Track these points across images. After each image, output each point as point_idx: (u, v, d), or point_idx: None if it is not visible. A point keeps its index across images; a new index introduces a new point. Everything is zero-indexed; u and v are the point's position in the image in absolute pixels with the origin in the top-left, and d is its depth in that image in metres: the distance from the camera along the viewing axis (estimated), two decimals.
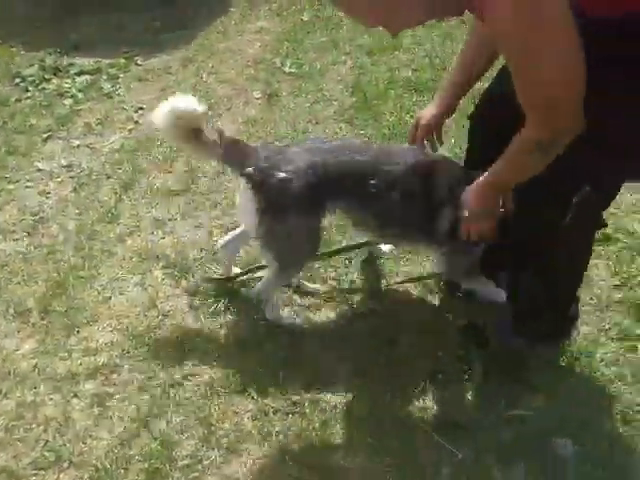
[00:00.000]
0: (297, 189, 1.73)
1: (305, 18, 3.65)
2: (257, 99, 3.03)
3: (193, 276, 2.15)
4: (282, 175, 1.73)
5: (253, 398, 1.80)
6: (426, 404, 1.80)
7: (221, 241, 2.06)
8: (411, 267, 2.18)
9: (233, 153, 1.79)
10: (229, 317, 2.02)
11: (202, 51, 3.45)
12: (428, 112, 1.90)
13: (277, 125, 2.83)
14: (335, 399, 1.79)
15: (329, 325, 2.02)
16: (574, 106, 1.32)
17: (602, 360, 1.89)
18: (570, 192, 1.57)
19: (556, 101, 1.31)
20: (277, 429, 1.73)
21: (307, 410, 1.76)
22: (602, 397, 1.82)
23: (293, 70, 3.21)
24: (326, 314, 2.04)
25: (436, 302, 2.09)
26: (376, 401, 1.80)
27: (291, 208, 1.76)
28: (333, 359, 1.91)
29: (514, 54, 1.30)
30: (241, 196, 1.84)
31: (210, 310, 2.03)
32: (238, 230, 2.03)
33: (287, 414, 1.76)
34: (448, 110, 1.90)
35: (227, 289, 2.08)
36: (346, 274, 2.15)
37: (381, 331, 1.99)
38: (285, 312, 2.03)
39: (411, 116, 2.85)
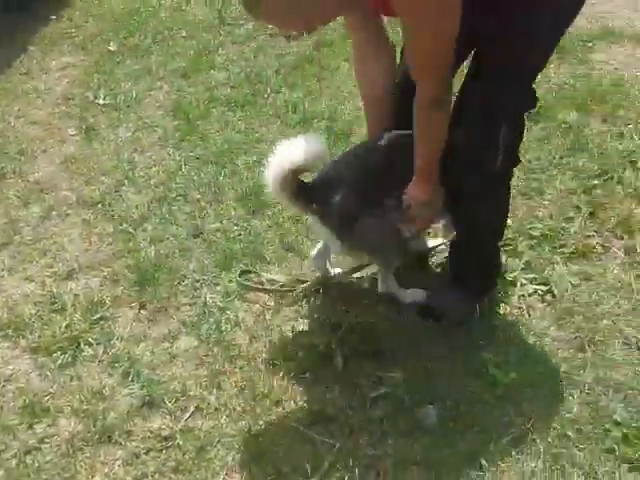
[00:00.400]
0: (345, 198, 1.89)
1: (112, 48, 3.57)
2: (73, 136, 2.91)
3: (31, 333, 2.01)
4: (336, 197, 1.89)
5: (120, 444, 1.72)
6: (297, 405, 1.84)
7: (313, 252, 2.15)
8: None
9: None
10: (79, 367, 1.92)
11: (5, 95, 3.25)
12: None
13: (99, 159, 2.74)
14: (206, 423, 1.77)
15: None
16: (448, 69, 1.63)
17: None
18: (496, 136, 1.78)
19: (443, 61, 1.59)
20: (152, 469, 1.67)
21: (180, 442, 1.72)
22: (455, 359, 1.97)
23: (108, 102, 3.12)
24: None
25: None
26: (246, 413, 1.80)
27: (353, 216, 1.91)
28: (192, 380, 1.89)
29: (418, 30, 1.54)
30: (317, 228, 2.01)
31: (57, 364, 1.92)
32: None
33: (160, 450, 1.71)
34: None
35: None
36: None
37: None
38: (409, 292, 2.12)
39: (238, 132, 2.91)
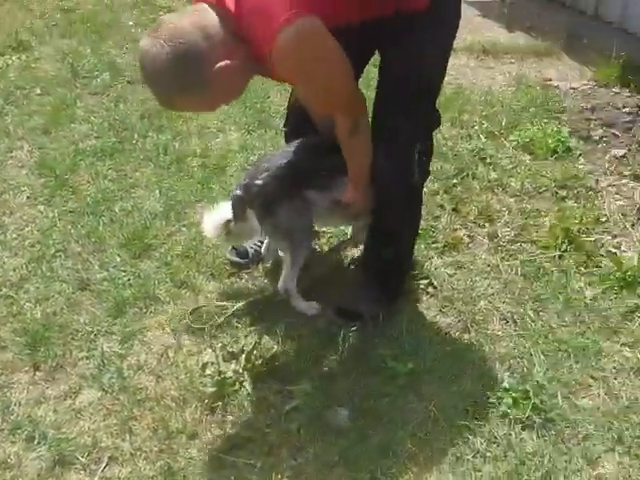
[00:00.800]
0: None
1: None
2: None
3: None
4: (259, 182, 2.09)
5: None
6: (214, 434, 1.86)
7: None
8: None
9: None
10: None
11: None
12: None
13: None
14: (123, 470, 1.76)
15: None
16: (355, 94, 1.80)
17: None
18: (412, 155, 2.00)
19: (347, 97, 1.77)
20: None
21: None
22: (355, 360, 2.09)
23: None
24: None
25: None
26: (163, 452, 1.80)
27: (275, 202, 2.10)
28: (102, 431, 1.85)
29: (310, 84, 1.72)
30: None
31: None
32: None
33: None
34: None
35: None
36: None
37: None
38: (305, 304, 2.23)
39: (110, 180, 2.89)
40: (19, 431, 1.84)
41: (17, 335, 2.13)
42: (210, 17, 1.60)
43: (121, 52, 4.09)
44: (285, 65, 1.62)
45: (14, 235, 2.58)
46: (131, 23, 4.50)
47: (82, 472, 1.75)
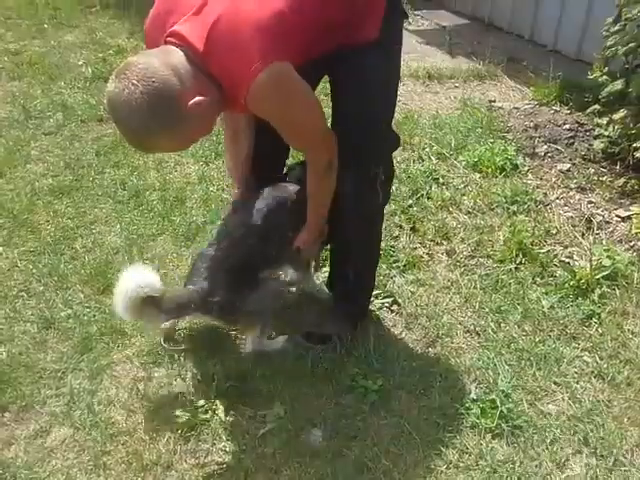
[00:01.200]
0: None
1: None
2: None
3: None
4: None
5: None
6: (189, 463, 1.86)
7: None
8: None
9: None
10: None
11: None
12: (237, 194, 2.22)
13: None
14: None
15: None
16: (327, 131, 1.90)
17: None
18: (375, 178, 2.04)
19: (321, 134, 1.86)
20: None
21: None
22: (326, 381, 2.12)
23: None
24: None
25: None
26: (139, 478, 1.79)
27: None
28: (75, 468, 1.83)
29: (284, 124, 1.78)
30: None
31: None
32: None
33: None
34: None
35: None
36: None
37: None
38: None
39: (69, 218, 2.88)
40: None
41: None
42: (177, 55, 1.62)
43: (72, 92, 4.09)
44: (261, 107, 1.70)
45: None
46: (80, 62, 4.51)
47: None
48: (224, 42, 1.60)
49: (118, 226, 2.82)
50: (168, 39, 1.65)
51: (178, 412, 1.97)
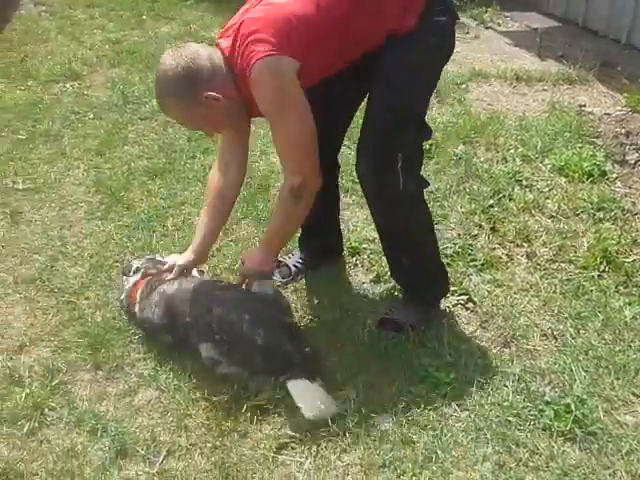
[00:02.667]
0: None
1: (23, 137, 3.61)
2: None
3: None
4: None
5: None
6: (264, 433, 1.94)
7: None
8: None
9: None
10: (46, 431, 1.94)
11: None
12: (185, 257, 2.27)
13: (29, 239, 2.77)
14: (180, 463, 1.84)
15: None
16: (312, 160, 1.95)
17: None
18: (393, 164, 2.02)
19: (300, 151, 1.94)
20: None
21: None
22: (399, 369, 2.15)
23: (28, 186, 3.16)
24: None
25: None
26: (217, 449, 1.88)
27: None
28: (160, 427, 1.95)
29: (272, 122, 1.92)
30: None
31: (24, 432, 1.92)
32: None
33: None
34: (202, 258, 2.35)
35: None
36: None
37: None
38: None
39: (161, 198, 3.04)
40: (83, 424, 1.95)
41: (79, 337, 2.25)
42: (218, 55, 1.92)
43: None
44: (257, 93, 1.87)
45: (74, 247, 2.73)
46: None
47: (142, 463, 1.84)
48: (241, 39, 1.84)
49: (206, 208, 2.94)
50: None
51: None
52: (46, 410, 1.99)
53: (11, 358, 2.17)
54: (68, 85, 4.25)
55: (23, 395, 2.02)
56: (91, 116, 3.85)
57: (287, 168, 2.01)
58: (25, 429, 1.92)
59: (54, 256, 2.67)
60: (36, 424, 1.94)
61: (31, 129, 3.68)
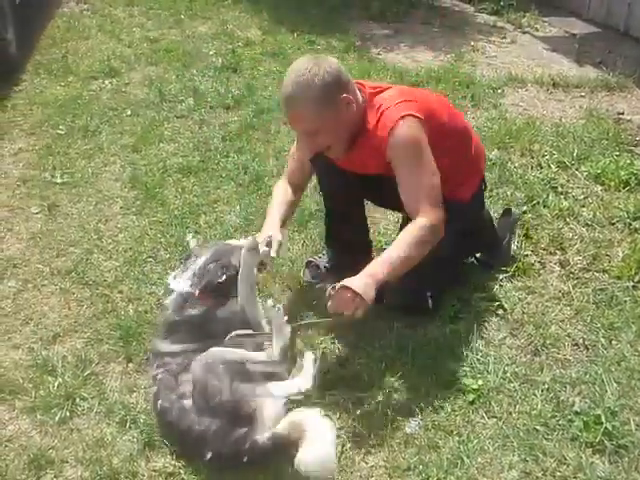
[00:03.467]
0: None
1: (62, 131, 3.70)
2: (36, 214, 2.98)
3: (27, 395, 2.06)
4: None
5: None
6: None
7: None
8: None
9: None
10: (77, 420, 1.98)
11: None
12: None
13: (66, 232, 2.84)
14: None
15: None
16: (440, 200, 2.10)
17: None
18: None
19: (435, 194, 2.09)
20: None
21: (184, 476, 1.82)
22: (426, 374, 2.14)
23: (66, 180, 3.23)
24: None
25: None
26: None
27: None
28: None
29: (412, 167, 2.08)
30: None
31: (56, 420, 1.97)
32: None
33: None
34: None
35: None
36: None
37: None
38: None
39: (195, 195, 3.09)
40: (113, 414, 1.99)
41: (112, 330, 2.30)
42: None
43: (203, 79, 4.35)
44: (397, 147, 2.07)
45: (109, 241, 2.79)
46: (212, 52, 4.78)
47: (169, 456, 1.86)
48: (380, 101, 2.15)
49: (238, 207, 2.99)
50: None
51: None
52: (77, 400, 2.03)
53: (45, 348, 2.23)
54: (107, 82, 4.34)
55: (56, 384, 2.07)
56: (128, 113, 3.92)
57: (420, 213, 2.07)
58: (57, 417, 1.97)
59: (89, 249, 2.73)
60: (67, 413, 1.99)
61: (70, 124, 3.77)
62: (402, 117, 2.06)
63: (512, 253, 2.69)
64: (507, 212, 2.77)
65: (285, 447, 1.79)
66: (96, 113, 3.89)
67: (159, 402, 1.88)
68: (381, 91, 2.20)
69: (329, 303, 1.96)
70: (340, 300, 1.94)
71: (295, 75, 2.05)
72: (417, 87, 4.03)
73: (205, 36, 5.11)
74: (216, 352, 1.90)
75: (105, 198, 3.10)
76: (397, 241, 2.08)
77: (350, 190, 2.34)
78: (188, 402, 1.85)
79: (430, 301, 2.34)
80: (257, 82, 4.28)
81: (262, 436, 1.80)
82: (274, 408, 1.87)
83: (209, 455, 1.78)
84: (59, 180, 3.22)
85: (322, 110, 2.04)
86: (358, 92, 2.15)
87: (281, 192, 2.39)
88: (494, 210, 2.93)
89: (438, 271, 2.23)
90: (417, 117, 2.09)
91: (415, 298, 2.32)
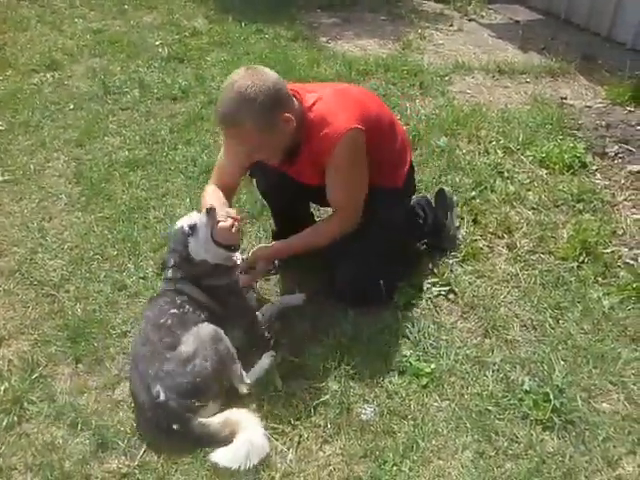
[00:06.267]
0: None
1: (1, 127, 3.58)
2: None
3: None
4: None
5: None
6: None
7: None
8: None
9: None
10: (25, 425, 1.94)
11: None
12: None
13: (8, 232, 2.76)
14: (162, 455, 1.85)
15: None
16: (361, 209, 2.26)
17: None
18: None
19: (359, 205, 2.25)
20: None
21: (139, 476, 1.79)
22: (380, 360, 2.17)
23: (7, 177, 3.14)
24: None
25: None
26: None
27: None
28: None
29: (346, 176, 2.19)
30: None
31: (2, 426, 1.93)
32: None
33: None
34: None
35: None
36: None
37: None
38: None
39: (143, 189, 3.02)
40: (63, 417, 1.95)
41: (59, 331, 2.24)
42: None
43: (149, 70, 4.26)
44: (340, 155, 2.14)
45: (54, 239, 2.72)
46: (157, 43, 4.68)
47: (123, 457, 1.84)
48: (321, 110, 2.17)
49: (188, 200, 2.94)
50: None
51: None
52: (25, 404, 1.99)
53: None
54: (48, 75, 4.21)
55: (2, 389, 2.02)
56: (71, 106, 3.82)
57: (342, 213, 2.30)
58: (4, 423, 1.93)
59: (33, 248, 2.65)
60: (15, 418, 1.94)
61: (10, 120, 3.64)
62: (348, 130, 2.12)
63: (460, 237, 2.74)
64: (441, 193, 2.82)
65: (210, 439, 1.84)
66: (37, 107, 3.77)
67: None
68: (319, 98, 2.20)
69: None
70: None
71: (233, 93, 2.00)
72: (365, 75, 4.07)
73: (150, 26, 5.01)
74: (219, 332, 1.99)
75: (49, 195, 3.01)
76: (310, 230, 2.33)
77: (287, 190, 2.37)
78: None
79: (383, 290, 2.36)
80: (205, 72, 4.22)
81: (201, 419, 1.85)
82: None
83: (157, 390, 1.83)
84: (0, 178, 3.11)
85: (261, 131, 2.04)
86: (295, 102, 2.15)
87: (211, 193, 2.30)
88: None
89: (388, 259, 2.32)
90: (360, 129, 2.15)
91: (367, 288, 2.34)
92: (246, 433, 1.83)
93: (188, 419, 1.83)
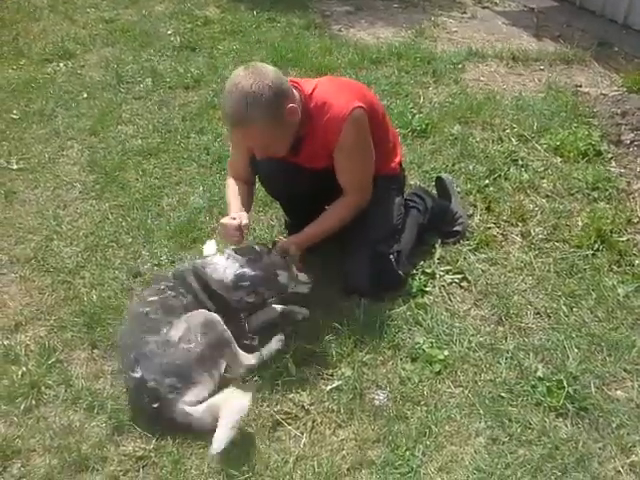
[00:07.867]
0: None
1: (16, 116, 3.60)
2: None
3: None
4: None
5: (97, 470, 1.79)
6: (261, 409, 1.97)
7: None
8: None
9: None
10: (43, 409, 1.96)
11: None
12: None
13: (24, 219, 2.79)
14: (177, 439, 1.87)
15: None
16: (371, 185, 2.35)
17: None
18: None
19: (368, 181, 2.34)
20: None
21: (155, 459, 1.81)
22: (393, 347, 2.17)
23: (22, 165, 3.16)
24: None
25: None
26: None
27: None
28: None
29: (354, 155, 2.25)
30: None
31: (21, 409, 1.95)
32: None
33: (137, 470, 1.79)
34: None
35: None
36: None
37: None
38: None
39: (156, 177, 3.04)
40: (80, 401, 1.97)
41: (75, 316, 2.27)
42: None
43: (161, 59, 4.26)
44: (349, 134, 2.19)
45: (69, 227, 2.74)
46: (169, 32, 4.68)
47: (138, 440, 1.86)
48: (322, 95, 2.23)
49: (201, 188, 2.95)
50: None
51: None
52: (43, 388, 2.01)
53: (7, 337, 2.20)
54: (61, 64, 4.22)
55: (19, 373, 2.04)
56: (85, 95, 3.83)
57: (352, 194, 2.33)
58: (22, 407, 1.95)
59: (49, 236, 2.68)
60: (33, 402, 1.97)
61: (24, 109, 3.66)
62: (352, 109, 2.18)
63: (473, 224, 2.73)
64: (439, 180, 2.83)
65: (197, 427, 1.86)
66: (51, 96, 3.79)
67: None
68: (317, 85, 2.27)
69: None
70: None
71: (239, 94, 2.02)
72: (378, 63, 4.05)
73: (162, 15, 5.00)
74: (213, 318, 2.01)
75: (63, 183, 3.03)
76: (325, 214, 2.37)
77: (294, 190, 2.39)
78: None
79: (394, 262, 2.37)
80: (217, 61, 4.21)
81: (186, 407, 1.87)
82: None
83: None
84: (15, 166, 3.15)
85: (271, 127, 2.08)
86: (296, 92, 2.18)
87: (234, 188, 2.37)
88: (456, 185, 2.96)
89: (394, 239, 2.44)
90: (363, 107, 2.22)
91: (380, 262, 2.35)
92: (224, 413, 1.82)
93: (171, 401, 1.84)
